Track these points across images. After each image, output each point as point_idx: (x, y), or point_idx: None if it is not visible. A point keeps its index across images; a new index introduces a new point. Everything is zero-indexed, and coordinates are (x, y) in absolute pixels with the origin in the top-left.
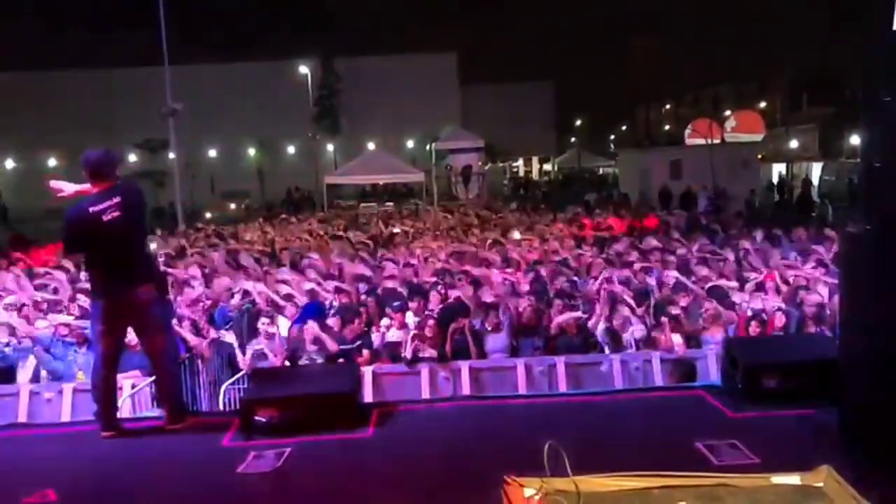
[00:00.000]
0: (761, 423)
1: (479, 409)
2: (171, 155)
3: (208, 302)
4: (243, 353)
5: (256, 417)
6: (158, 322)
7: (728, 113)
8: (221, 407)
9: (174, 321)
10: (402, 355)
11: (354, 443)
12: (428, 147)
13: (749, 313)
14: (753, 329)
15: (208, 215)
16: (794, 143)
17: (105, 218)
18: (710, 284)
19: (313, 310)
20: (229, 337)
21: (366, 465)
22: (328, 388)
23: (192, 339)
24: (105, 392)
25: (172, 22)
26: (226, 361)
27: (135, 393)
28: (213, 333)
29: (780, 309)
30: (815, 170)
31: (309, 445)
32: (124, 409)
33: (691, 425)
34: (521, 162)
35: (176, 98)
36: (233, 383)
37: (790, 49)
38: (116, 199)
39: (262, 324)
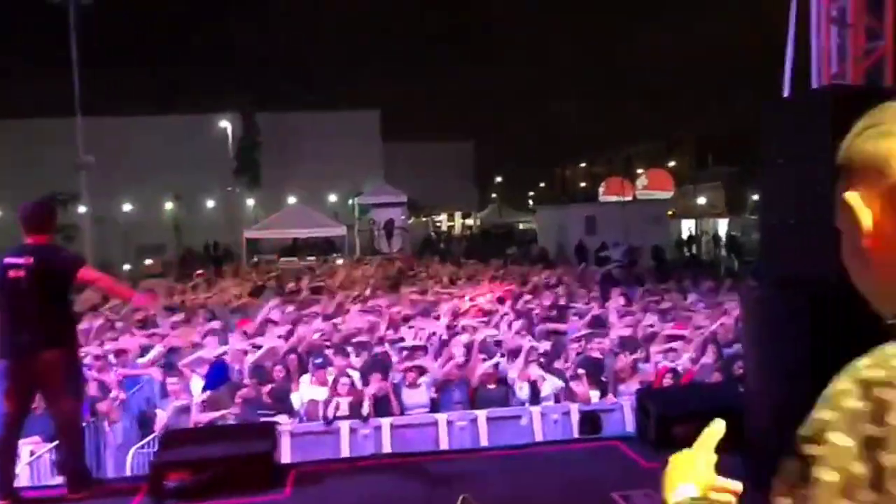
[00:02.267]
0: None
1: (399, 466)
2: (82, 209)
3: (124, 367)
4: (155, 415)
5: (166, 482)
6: (66, 387)
7: (640, 171)
8: (129, 472)
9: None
10: (322, 414)
11: None
12: (350, 201)
13: (663, 365)
14: (668, 381)
15: (126, 267)
16: (701, 200)
17: (10, 274)
18: (624, 336)
19: (219, 371)
20: (137, 399)
21: None
22: (243, 449)
23: (101, 403)
24: (3, 458)
25: (87, 72)
26: (135, 423)
27: (34, 460)
28: (122, 395)
29: (692, 360)
30: (722, 225)
31: None
32: (22, 478)
33: (608, 476)
34: (444, 216)
35: (90, 150)
36: (142, 447)
37: (697, 110)
38: (28, 259)
39: (172, 384)
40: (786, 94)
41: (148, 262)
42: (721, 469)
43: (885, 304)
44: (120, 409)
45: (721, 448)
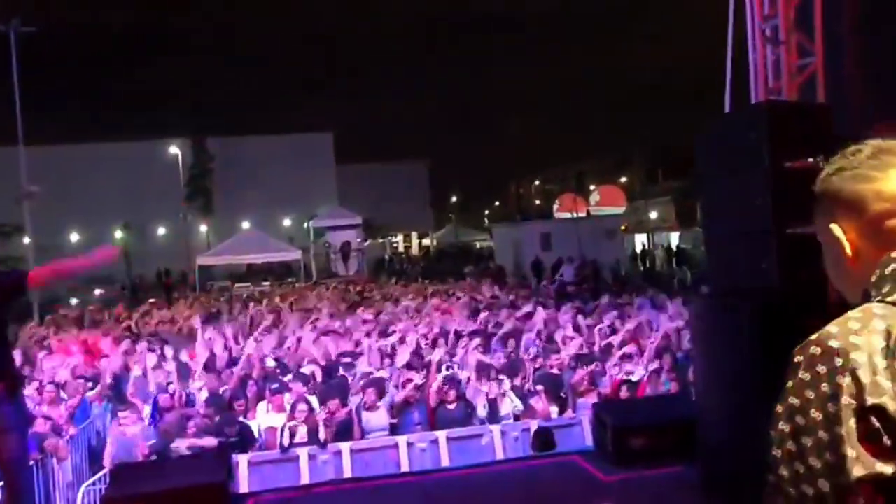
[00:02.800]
0: (632, 484)
1: (358, 491)
2: (26, 240)
3: (72, 400)
4: (104, 449)
5: None
6: (6, 423)
7: (592, 187)
8: None
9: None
10: (279, 442)
11: None
12: (305, 225)
13: (620, 378)
14: (624, 393)
15: (73, 301)
16: (653, 215)
17: None
18: (580, 351)
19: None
20: (86, 433)
21: None
22: (197, 480)
23: (49, 439)
24: None
25: (30, 100)
26: (86, 459)
27: None
28: (72, 430)
29: (648, 372)
30: (674, 238)
31: None
32: None
33: (567, 491)
34: (400, 238)
35: (34, 180)
36: (92, 483)
37: (646, 127)
38: None
39: (123, 417)
40: (727, 109)
41: (97, 292)
42: (678, 478)
43: (854, 298)
44: (69, 446)
45: (677, 457)
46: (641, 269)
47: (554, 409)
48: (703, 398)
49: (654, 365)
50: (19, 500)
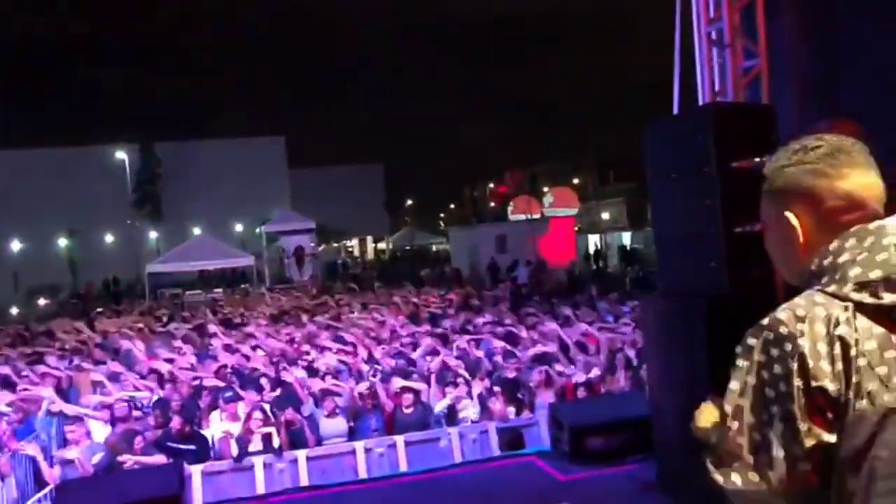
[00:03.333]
0: (590, 483)
1: (315, 499)
2: None
3: (15, 416)
4: (50, 465)
5: None
6: None
7: (546, 189)
8: None
9: None
10: (234, 451)
11: None
12: (258, 230)
13: (576, 379)
14: (581, 394)
15: (14, 311)
16: (605, 215)
17: None
18: (537, 351)
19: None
20: (31, 449)
21: None
22: (148, 494)
23: None
24: None
25: None
26: (31, 476)
27: None
28: (14, 445)
29: (602, 370)
30: (626, 238)
31: None
32: None
33: (525, 492)
34: (355, 242)
35: None
36: (37, 501)
37: (597, 132)
38: None
39: (70, 432)
40: (675, 111)
41: (42, 302)
42: (634, 476)
43: (794, 280)
44: (11, 462)
45: (633, 455)
46: (594, 268)
47: (511, 410)
48: (657, 396)
49: (609, 364)
50: None
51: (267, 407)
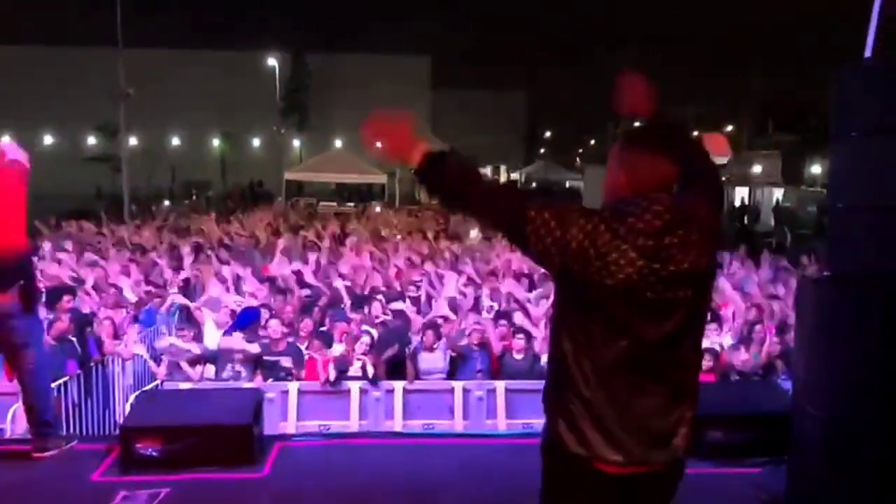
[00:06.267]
0: (702, 481)
1: (400, 447)
2: (133, 140)
3: (135, 304)
4: (157, 363)
5: (137, 447)
6: (20, 335)
7: (696, 134)
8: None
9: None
10: (328, 374)
11: (245, 483)
12: None
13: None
14: (705, 363)
15: (166, 203)
16: (757, 169)
17: None
18: None
19: (248, 318)
20: (138, 348)
21: None
22: (220, 419)
23: (109, 343)
24: None
25: (131, 2)
26: (147, 365)
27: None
28: (134, 335)
29: (735, 345)
30: (777, 195)
31: (191, 485)
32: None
33: None
34: (489, 170)
35: (136, 82)
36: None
37: (760, 73)
38: None
39: (181, 334)
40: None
41: (193, 197)
42: (757, 481)
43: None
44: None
45: (759, 456)
46: (738, 225)
47: None
48: (803, 393)
49: (743, 335)
50: (37, 418)
51: (374, 333)
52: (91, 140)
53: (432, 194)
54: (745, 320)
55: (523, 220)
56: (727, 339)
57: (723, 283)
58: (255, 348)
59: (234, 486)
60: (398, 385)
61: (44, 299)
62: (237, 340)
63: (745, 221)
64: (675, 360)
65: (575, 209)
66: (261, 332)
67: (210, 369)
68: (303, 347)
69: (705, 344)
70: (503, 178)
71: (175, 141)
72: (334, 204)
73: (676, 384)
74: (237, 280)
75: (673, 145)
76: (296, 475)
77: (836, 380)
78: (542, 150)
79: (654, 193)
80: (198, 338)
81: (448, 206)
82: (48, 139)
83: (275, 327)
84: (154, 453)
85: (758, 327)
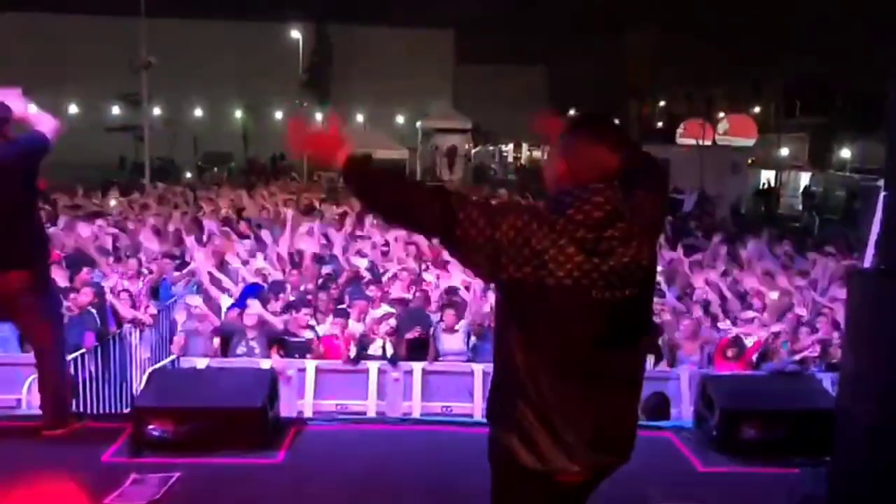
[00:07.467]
0: (736, 481)
1: (418, 434)
2: (157, 111)
3: (153, 276)
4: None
5: (149, 428)
6: (38, 311)
7: (721, 115)
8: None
9: (108, 297)
10: (348, 352)
11: (259, 469)
12: (417, 124)
13: (724, 337)
14: (730, 353)
15: (188, 175)
16: (784, 151)
17: None
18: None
19: (252, 293)
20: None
21: (268, 499)
22: (234, 401)
23: (127, 312)
24: None
25: None
26: (166, 339)
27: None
28: (152, 308)
29: (767, 336)
30: (804, 179)
31: (203, 470)
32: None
33: (653, 478)
34: (510, 147)
35: (158, 51)
36: (161, 367)
37: (787, 52)
38: None
39: (195, 306)
40: None
41: (214, 168)
42: (794, 482)
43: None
44: (150, 318)
45: (798, 455)
46: (763, 209)
47: (649, 360)
48: (848, 392)
49: (775, 324)
50: (52, 395)
51: (394, 311)
52: (115, 110)
53: (359, 196)
54: (781, 309)
55: (453, 223)
56: (760, 333)
57: (751, 272)
58: (279, 324)
59: (248, 471)
60: (417, 366)
61: (63, 271)
62: (264, 313)
63: (771, 205)
64: (623, 360)
65: (507, 205)
66: (269, 308)
67: (224, 344)
68: (322, 325)
69: (734, 332)
70: (524, 155)
71: (197, 112)
72: None
73: (626, 385)
74: (255, 255)
75: (614, 135)
76: (311, 461)
77: (889, 378)
78: None
79: (595, 185)
80: (215, 311)
81: (375, 209)
82: (73, 108)
83: (301, 316)
84: (166, 435)
85: (789, 315)
